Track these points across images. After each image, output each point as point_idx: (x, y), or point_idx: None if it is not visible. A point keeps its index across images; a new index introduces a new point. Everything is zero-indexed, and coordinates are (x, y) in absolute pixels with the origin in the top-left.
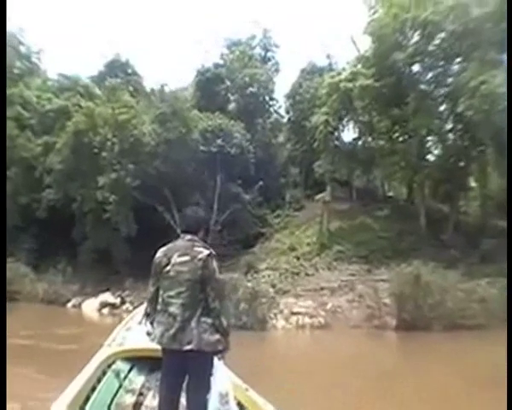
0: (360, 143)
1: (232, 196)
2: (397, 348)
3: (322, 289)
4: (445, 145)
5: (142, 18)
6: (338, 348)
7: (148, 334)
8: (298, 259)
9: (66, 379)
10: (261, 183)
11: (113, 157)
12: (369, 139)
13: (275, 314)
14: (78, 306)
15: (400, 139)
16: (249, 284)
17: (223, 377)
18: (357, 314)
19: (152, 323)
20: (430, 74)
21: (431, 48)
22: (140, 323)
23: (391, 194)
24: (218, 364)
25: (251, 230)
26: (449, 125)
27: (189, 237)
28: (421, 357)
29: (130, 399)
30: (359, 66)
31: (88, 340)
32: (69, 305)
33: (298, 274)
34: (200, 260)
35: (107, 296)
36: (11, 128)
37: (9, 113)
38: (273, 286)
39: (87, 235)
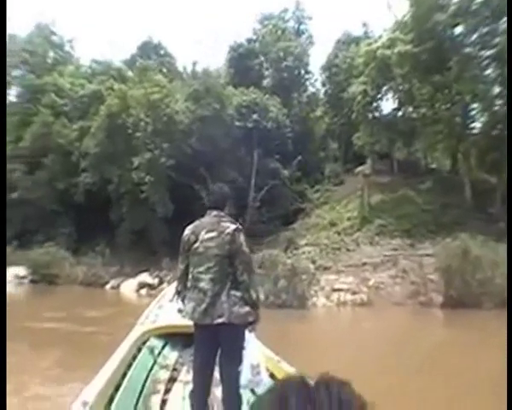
0: (400, 113)
1: (270, 171)
2: (445, 327)
3: (363, 264)
4: (492, 111)
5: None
6: (383, 328)
7: (180, 311)
8: (339, 234)
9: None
10: (299, 158)
11: (146, 137)
12: (410, 109)
13: (315, 291)
14: (117, 287)
15: (443, 107)
16: (288, 261)
17: (254, 349)
18: (401, 291)
19: (183, 300)
20: (474, 36)
21: (474, 6)
22: (171, 300)
23: (433, 166)
24: (248, 336)
25: (290, 206)
26: (496, 90)
27: (215, 213)
28: (471, 336)
29: (164, 374)
30: (397, 32)
31: (123, 321)
32: (108, 286)
33: (339, 250)
34: (227, 234)
35: (145, 277)
36: (46, 115)
37: (44, 101)
38: (313, 262)
39: (124, 217)
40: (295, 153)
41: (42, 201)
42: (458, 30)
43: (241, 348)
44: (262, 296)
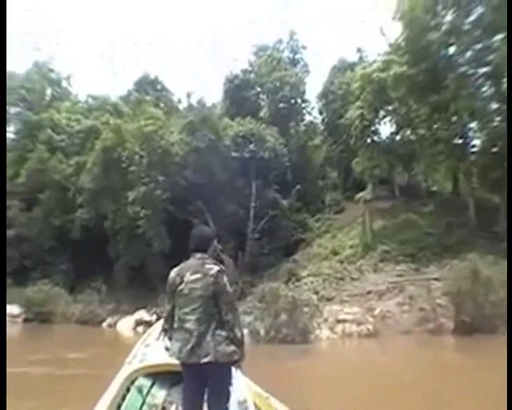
0: (398, 137)
1: (269, 202)
2: (458, 355)
3: (368, 293)
4: (491, 128)
5: (167, 33)
6: (391, 361)
7: (167, 349)
8: (341, 263)
9: None
10: (298, 187)
11: (141, 171)
12: (408, 132)
13: (318, 324)
14: (114, 325)
15: (442, 127)
16: (290, 293)
17: (241, 386)
18: (409, 318)
19: (170, 338)
20: (468, 54)
21: (467, 25)
22: (158, 339)
23: (434, 189)
24: (235, 373)
25: (291, 236)
26: (493, 106)
27: (199, 255)
28: (488, 364)
29: None
30: (392, 55)
31: (116, 361)
32: (104, 324)
33: (342, 279)
34: (211, 276)
35: (143, 314)
36: (42, 151)
37: (40, 137)
38: (316, 293)
39: (121, 253)
40: (294, 182)
41: (38, 238)
42: (452, 49)
43: (228, 385)
44: (262, 332)
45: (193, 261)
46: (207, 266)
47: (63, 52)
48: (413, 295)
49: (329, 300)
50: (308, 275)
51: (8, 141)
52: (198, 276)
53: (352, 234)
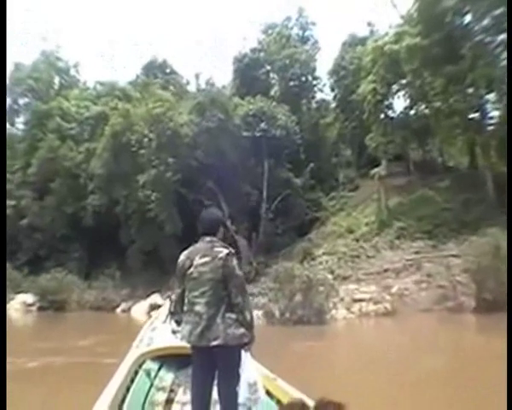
0: (413, 111)
1: (282, 181)
2: (481, 335)
3: (385, 271)
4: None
5: (167, 33)
6: (411, 340)
7: (174, 332)
8: (357, 241)
9: None
10: (312, 165)
11: (151, 153)
12: (423, 106)
13: (334, 303)
14: (128, 310)
15: (458, 99)
16: (305, 273)
17: (250, 369)
18: (427, 296)
19: (178, 322)
20: (486, 21)
21: None
22: (164, 322)
23: (450, 164)
24: (245, 356)
25: (305, 215)
26: None
27: (208, 238)
28: None
29: (161, 396)
30: (404, 26)
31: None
32: (118, 310)
33: (358, 257)
34: (220, 259)
35: (156, 298)
36: (52, 140)
37: (50, 126)
38: (331, 272)
39: (134, 237)
40: (307, 161)
41: (51, 226)
42: (468, 17)
43: (238, 368)
44: (277, 313)
45: (202, 245)
46: (216, 249)
47: (70, 40)
48: (431, 272)
49: (345, 279)
50: (323, 254)
51: (17, 132)
52: (207, 259)
53: (367, 211)
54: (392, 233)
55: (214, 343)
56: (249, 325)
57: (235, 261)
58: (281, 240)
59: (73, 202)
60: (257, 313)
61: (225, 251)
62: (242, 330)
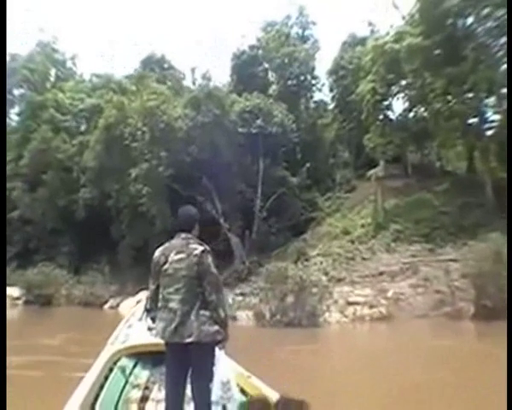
0: (412, 114)
1: (278, 179)
2: (480, 343)
3: (381, 274)
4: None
5: (167, 33)
6: (407, 347)
7: (150, 329)
8: (352, 242)
9: None
10: (308, 165)
11: (144, 147)
12: (422, 109)
13: (327, 306)
14: (116, 306)
15: (458, 101)
16: (298, 273)
17: (224, 366)
18: (424, 301)
19: (153, 319)
20: (488, 23)
21: None
22: (140, 319)
23: (448, 168)
24: (219, 354)
25: (300, 215)
26: None
27: (183, 235)
28: None
29: (136, 394)
30: (405, 26)
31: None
32: (106, 306)
33: (353, 259)
34: (195, 256)
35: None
36: (45, 131)
37: (44, 117)
38: (326, 274)
39: (124, 232)
40: (304, 160)
41: (42, 219)
42: (470, 19)
43: (212, 365)
44: (267, 314)
45: (177, 241)
46: (192, 245)
47: (67, 31)
48: (428, 276)
49: (340, 281)
50: (318, 255)
51: (11, 122)
52: (182, 256)
53: (364, 213)
54: (388, 236)
55: (188, 340)
56: (223, 323)
57: (210, 258)
58: (275, 239)
59: (65, 194)
60: (247, 314)
61: (200, 248)
62: (216, 327)
